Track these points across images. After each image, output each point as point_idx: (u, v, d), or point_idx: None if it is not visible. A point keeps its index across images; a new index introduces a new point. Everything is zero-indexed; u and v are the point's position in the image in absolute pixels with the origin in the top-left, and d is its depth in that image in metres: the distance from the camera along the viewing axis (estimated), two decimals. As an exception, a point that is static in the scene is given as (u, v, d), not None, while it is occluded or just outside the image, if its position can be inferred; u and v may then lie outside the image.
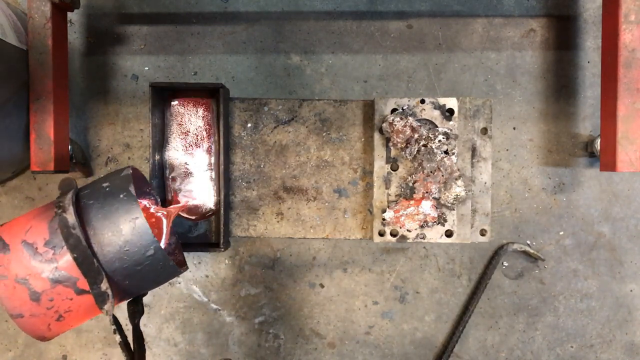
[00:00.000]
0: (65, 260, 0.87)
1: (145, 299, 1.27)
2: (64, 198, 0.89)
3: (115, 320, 0.91)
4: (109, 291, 0.87)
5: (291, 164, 1.22)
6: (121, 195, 0.89)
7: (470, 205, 1.17)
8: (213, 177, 1.19)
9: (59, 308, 0.89)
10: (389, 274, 1.29)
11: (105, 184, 0.92)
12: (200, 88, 1.19)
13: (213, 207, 1.19)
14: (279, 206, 1.22)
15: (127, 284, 0.90)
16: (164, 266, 0.91)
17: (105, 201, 0.89)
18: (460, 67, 1.28)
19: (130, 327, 0.97)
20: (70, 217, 0.86)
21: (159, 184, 1.18)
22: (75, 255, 0.85)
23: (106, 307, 0.87)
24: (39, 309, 0.88)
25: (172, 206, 0.97)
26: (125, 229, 0.88)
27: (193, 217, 1.20)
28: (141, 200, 1.00)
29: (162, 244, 0.95)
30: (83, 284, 0.87)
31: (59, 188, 0.94)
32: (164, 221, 0.91)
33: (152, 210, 0.99)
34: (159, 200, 1.00)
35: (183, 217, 1.19)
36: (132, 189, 0.90)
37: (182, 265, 1.02)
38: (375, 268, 1.29)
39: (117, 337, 0.91)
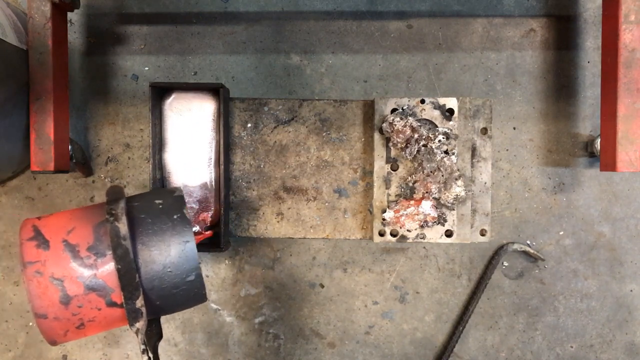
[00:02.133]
0: (106, 269, 0.85)
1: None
2: (116, 206, 0.87)
3: (144, 340, 0.88)
4: (144, 309, 0.85)
5: (291, 164, 1.22)
6: (175, 216, 0.89)
7: (470, 205, 1.17)
8: (213, 177, 1.19)
9: (84, 316, 0.86)
10: (389, 274, 1.29)
11: (158, 201, 0.92)
12: (200, 88, 1.19)
13: (213, 210, 1.19)
14: (279, 206, 1.22)
15: (158, 304, 0.89)
16: (196, 294, 0.90)
17: (158, 218, 0.89)
18: (460, 67, 1.28)
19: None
20: (123, 227, 0.85)
21: (158, 184, 1.18)
22: (119, 266, 0.83)
23: (138, 324, 0.85)
24: (65, 314, 0.85)
25: None
26: (173, 250, 0.87)
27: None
28: None
29: None
30: (117, 296, 0.85)
31: (107, 194, 0.91)
32: None
33: None
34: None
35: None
36: (186, 211, 0.91)
37: None
38: (375, 268, 1.29)
39: (145, 358, 0.87)
